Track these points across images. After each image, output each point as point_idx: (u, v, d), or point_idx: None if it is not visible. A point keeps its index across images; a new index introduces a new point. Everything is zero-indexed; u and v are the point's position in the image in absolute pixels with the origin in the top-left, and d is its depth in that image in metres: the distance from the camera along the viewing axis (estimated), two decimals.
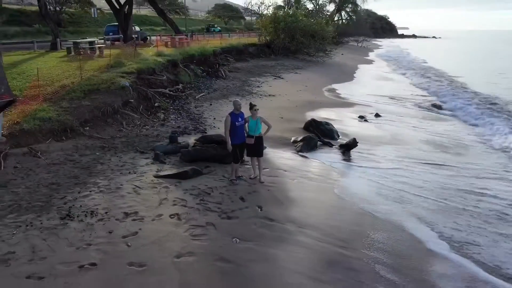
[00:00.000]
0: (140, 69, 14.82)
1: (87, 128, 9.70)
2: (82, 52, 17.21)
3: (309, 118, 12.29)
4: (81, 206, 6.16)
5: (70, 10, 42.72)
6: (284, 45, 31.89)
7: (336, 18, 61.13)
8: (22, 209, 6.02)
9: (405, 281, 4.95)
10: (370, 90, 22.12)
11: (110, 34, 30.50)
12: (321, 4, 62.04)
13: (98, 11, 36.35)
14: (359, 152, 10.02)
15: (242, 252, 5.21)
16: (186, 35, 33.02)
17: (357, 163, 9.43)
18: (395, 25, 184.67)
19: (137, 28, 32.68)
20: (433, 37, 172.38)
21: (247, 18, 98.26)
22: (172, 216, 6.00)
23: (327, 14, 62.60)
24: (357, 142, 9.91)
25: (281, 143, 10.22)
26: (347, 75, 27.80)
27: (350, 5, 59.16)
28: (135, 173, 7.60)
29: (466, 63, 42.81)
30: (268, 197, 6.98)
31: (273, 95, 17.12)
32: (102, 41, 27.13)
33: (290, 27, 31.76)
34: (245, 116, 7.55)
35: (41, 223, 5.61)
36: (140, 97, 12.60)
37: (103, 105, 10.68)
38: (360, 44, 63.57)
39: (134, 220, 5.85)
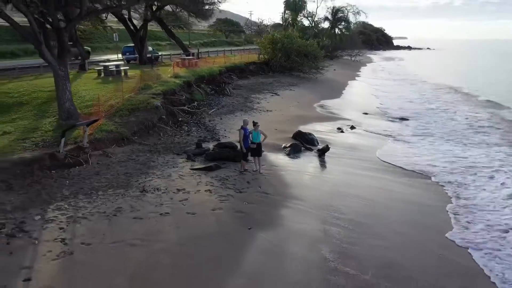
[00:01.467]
0: (165, 90, 18.74)
1: (136, 137, 13.57)
2: (121, 80, 21.14)
3: (298, 130, 16.13)
4: (149, 185, 9.99)
5: (81, 27, 46.66)
6: (280, 63, 35.92)
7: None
8: (114, 187, 9.85)
9: (347, 224, 8.76)
10: (354, 106, 26.05)
11: (127, 54, 34.60)
12: (316, 21, 66.53)
13: (109, 28, 40.17)
14: (331, 154, 13.85)
15: (249, 209, 9.05)
16: (193, 54, 37.04)
17: (328, 162, 13.30)
18: (393, 35, 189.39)
19: (150, 48, 36.71)
20: (428, 48, 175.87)
21: (247, 31, 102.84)
22: (206, 191, 9.83)
23: (322, 29, 67.05)
24: (329, 147, 13.79)
25: (275, 148, 14.05)
26: (336, 91, 31.76)
27: (343, 23, 63.57)
28: (176, 167, 11.44)
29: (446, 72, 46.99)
30: (265, 182, 10.83)
31: (270, 111, 21.03)
32: (122, 62, 31.13)
33: (286, 47, 35.82)
34: (250, 129, 11.42)
35: (130, 194, 9.44)
36: (168, 114, 16.48)
37: (145, 120, 14.58)
38: (353, 59, 67.75)
39: (183, 193, 9.69)
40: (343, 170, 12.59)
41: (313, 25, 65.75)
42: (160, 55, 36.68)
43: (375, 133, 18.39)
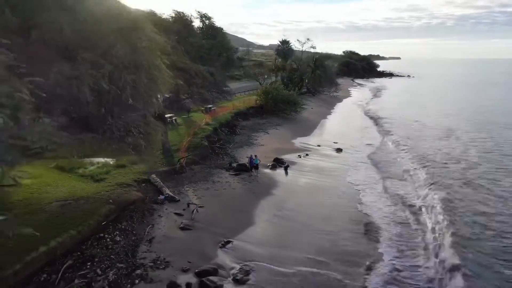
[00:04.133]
0: (206, 135, 34.77)
1: (201, 161, 29.53)
2: (177, 127, 37.26)
3: (275, 157, 32.15)
4: (215, 180, 25.91)
5: None
6: (271, 108, 52.23)
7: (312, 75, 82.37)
8: (202, 181, 25.75)
9: (295, 194, 24.82)
10: (315, 141, 42.01)
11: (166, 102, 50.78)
12: (301, 65, 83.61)
13: None
14: (291, 169, 29.90)
15: (254, 187, 25.13)
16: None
17: (289, 172, 29.37)
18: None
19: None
20: (408, 76, 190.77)
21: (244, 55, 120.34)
22: (237, 182, 25.87)
23: (306, 71, 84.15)
24: (289, 165, 29.91)
25: (264, 166, 30.03)
26: (308, 130, 47.92)
27: (321, 68, 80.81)
28: (222, 174, 27.38)
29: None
30: (260, 180, 26.89)
31: (263, 145, 37.08)
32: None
33: (275, 97, 52.23)
34: (254, 157, 27.58)
35: (209, 183, 25.37)
36: (210, 149, 32.47)
37: (203, 153, 30.58)
38: (331, 95, 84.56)
39: (229, 182, 25.65)
40: (295, 175, 28.71)
41: (299, 68, 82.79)
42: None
43: (317, 158, 34.57)
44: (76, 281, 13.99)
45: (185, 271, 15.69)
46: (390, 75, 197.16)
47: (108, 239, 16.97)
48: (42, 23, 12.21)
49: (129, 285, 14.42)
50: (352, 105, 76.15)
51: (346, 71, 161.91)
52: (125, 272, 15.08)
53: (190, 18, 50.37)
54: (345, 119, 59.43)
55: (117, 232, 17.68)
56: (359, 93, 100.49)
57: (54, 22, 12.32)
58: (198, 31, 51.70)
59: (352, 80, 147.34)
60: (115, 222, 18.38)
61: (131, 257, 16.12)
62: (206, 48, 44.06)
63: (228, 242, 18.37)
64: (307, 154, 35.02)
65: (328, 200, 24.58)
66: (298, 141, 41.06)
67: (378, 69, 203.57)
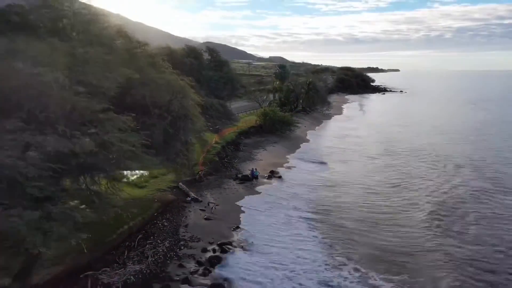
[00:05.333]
0: (216, 152, 43.96)
1: (214, 173, 38.70)
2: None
3: (271, 169, 41.29)
4: (226, 187, 35.08)
5: None
6: (269, 127, 61.51)
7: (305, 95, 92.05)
8: (216, 188, 34.91)
9: (284, 193, 34.05)
10: (301, 156, 51.19)
11: None
12: (296, 86, 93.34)
13: None
14: (285, 179, 39.05)
15: (253, 188, 34.30)
16: None
17: (280, 180, 38.56)
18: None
19: None
20: (400, 91, 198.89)
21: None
22: (242, 188, 35.05)
23: (301, 93, 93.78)
24: (281, 176, 39.12)
25: (262, 177, 39.18)
26: (298, 147, 57.26)
27: (313, 90, 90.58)
28: (231, 182, 36.54)
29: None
30: (260, 184, 36.05)
31: (261, 160, 46.23)
32: None
33: (272, 118, 61.58)
34: (255, 170, 36.84)
35: (222, 189, 34.54)
36: (220, 163, 41.64)
37: (215, 166, 39.78)
38: (324, 112, 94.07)
39: (236, 189, 34.80)
40: (284, 182, 37.88)
41: (295, 89, 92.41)
42: None
43: (301, 169, 43.78)
44: (147, 246, 23.06)
45: (211, 243, 24.75)
46: (383, 90, 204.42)
47: (159, 224, 26.11)
48: (133, 94, 21.56)
49: (178, 249, 23.47)
50: (339, 123, 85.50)
51: (341, 87, 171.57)
52: (174, 243, 24.14)
53: (200, 52, 59.73)
54: (331, 135, 68.67)
55: (164, 220, 26.79)
56: (349, 110, 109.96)
57: (140, 93, 21.66)
58: (207, 62, 60.91)
59: (347, 96, 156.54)
60: (162, 214, 27.54)
61: (176, 235, 25.20)
62: (214, 80, 53.21)
63: (238, 227, 27.48)
64: (294, 167, 44.18)
65: None
66: (291, 156, 50.27)
67: (373, 84, 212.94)
